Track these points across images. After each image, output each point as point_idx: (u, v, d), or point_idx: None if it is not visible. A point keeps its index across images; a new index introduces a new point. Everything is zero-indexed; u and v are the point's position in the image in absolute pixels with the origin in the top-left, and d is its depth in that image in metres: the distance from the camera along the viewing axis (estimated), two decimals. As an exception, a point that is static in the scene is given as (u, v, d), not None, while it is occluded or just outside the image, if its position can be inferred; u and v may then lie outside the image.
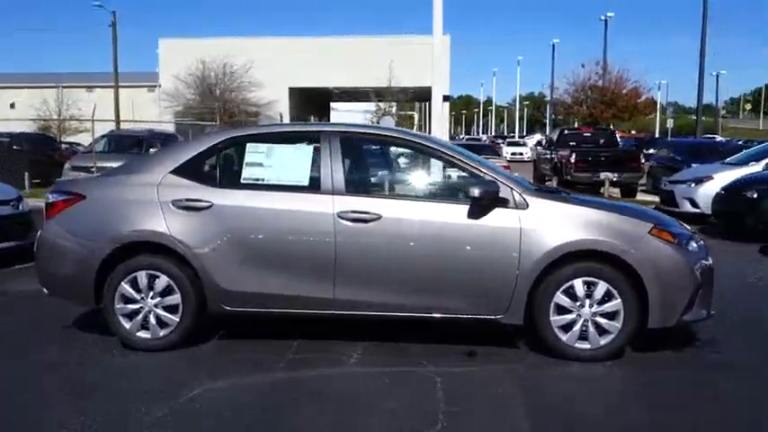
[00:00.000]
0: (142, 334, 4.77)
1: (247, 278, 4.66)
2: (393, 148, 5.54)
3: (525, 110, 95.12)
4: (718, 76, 64.34)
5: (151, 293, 4.74)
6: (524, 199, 4.55)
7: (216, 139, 4.94)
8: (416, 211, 4.61)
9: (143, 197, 4.77)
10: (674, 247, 4.57)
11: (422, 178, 5.19)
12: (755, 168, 11.52)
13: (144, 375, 4.42)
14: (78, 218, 4.83)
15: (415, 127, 45.93)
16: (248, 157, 4.84)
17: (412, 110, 50.65)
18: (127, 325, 4.76)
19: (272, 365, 4.46)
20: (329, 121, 59.92)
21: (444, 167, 4.99)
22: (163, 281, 4.71)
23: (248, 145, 4.88)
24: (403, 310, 4.65)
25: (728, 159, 13.21)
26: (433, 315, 4.64)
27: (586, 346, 4.55)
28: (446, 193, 4.83)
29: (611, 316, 4.51)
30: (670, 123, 47.71)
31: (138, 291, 4.75)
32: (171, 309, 4.74)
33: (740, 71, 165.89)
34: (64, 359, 4.65)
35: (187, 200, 4.71)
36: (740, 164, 12.28)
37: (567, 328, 4.55)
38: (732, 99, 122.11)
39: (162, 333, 4.75)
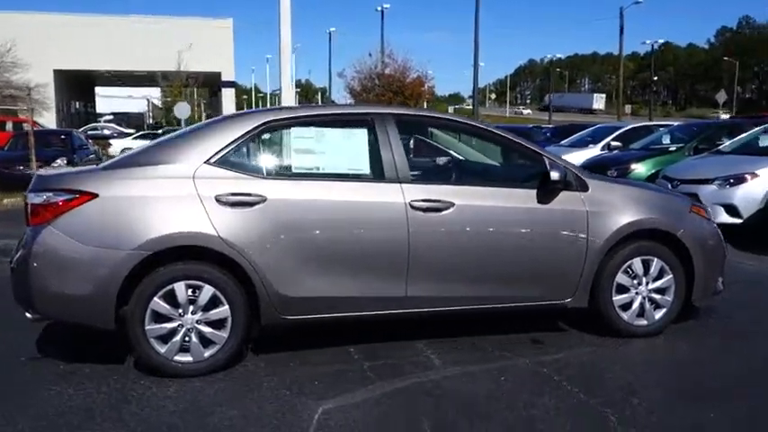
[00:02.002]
0: (181, 357, 3.97)
1: (310, 281, 4.08)
2: (437, 132, 5.17)
3: (297, 97, 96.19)
4: (476, 67, 70.21)
5: (191, 308, 3.95)
6: (584, 181, 4.54)
7: (252, 123, 4.22)
8: (487, 198, 4.38)
9: (178, 193, 3.95)
10: (709, 223, 4.88)
11: (484, 163, 4.93)
12: None
13: (230, 409, 3.56)
14: (90, 222, 3.86)
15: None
16: (296, 144, 4.22)
17: (202, 96, 48.47)
18: (161, 349, 3.92)
19: (364, 375, 3.98)
20: (94, 106, 55.49)
21: (502, 151, 4.78)
22: (207, 292, 3.95)
23: (293, 129, 4.25)
24: (475, 302, 4.41)
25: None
26: (506, 305, 4.46)
27: (643, 322, 4.68)
28: (511, 177, 4.64)
29: (663, 292, 4.69)
30: (451, 110, 51.16)
31: (176, 306, 3.93)
32: (216, 324, 4.00)
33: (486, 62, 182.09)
34: (78, 407, 3.68)
35: (235, 194, 3.99)
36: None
37: (626, 306, 4.64)
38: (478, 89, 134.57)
39: (207, 354, 3.99)
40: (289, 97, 14.62)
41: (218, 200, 3.95)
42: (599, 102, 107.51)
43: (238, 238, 3.94)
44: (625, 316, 4.63)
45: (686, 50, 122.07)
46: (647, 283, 4.65)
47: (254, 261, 3.96)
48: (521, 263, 4.41)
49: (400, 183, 4.22)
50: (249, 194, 4.00)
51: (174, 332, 3.95)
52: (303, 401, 3.61)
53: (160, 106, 49.66)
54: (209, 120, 4.93)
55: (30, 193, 4.00)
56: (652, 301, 4.68)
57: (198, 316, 3.97)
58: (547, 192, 4.42)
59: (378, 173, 4.23)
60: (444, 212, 4.22)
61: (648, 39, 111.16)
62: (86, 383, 3.89)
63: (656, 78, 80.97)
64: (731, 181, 8.63)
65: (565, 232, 4.45)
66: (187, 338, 3.96)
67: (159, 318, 3.92)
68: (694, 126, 13.72)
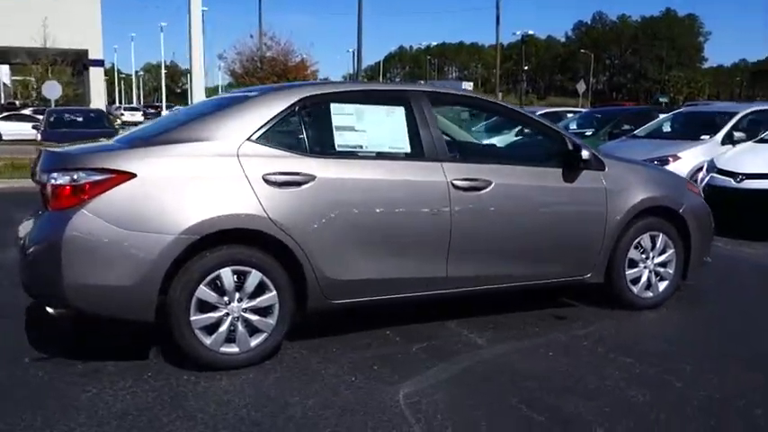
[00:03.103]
0: (227, 348, 3.71)
1: (357, 264, 3.95)
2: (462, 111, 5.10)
3: (163, 78, 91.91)
4: (354, 52, 70.63)
5: (237, 295, 3.70)
6: (602, 160, 4.69)
7: (292, 98, 3.99)
8: (520, 177, 4.42)
9: (224, 172, 3.67)
10: (700, 198, 5.20)
11: (513, 142, 4.92)
12: None
13: (304, 399, 3.35)
14: (129, 204, 3.50)
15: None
16: (336, 120, 4.04)
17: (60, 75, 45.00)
18: (207, 340, 3.65)
19: (418, 357, 3.91)
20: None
21: (527, 131, 4.81)
22: (254, 277, 3.71)
23: (333, 105, 4.07)
24: (508, 281, 4.45)
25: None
26: (536, 282, 4.54)
27: (650, 294, 4.93)
28: (539, 156, 4.67)
29: (666, 265, 4.96)
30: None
31: (222, 294, 3.67)
32: (262, 311, 3.78)
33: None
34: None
35: (284, 173, 3.76)
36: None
37: (635, 280, 4.86)
38: (346, 75, 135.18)
39: (254, 343, 3.76)
40: (198, 82, 13.93)
41: (265, 179, 3.71)
42: (467, 89, 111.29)
43: (288, 220, 3.73)
44: (635, 289, 4.85)
45: (545, 42, 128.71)
46: (653, 258, 4.89)
47: (303, 244, 3.77)
48: (550, 240, 4.50)
49: (441, 161, 4.17)
50: (297, 173, 3.79)
51: (219, 322, 3.68)
52: (376, 386, 3.49)
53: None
54: (236, 94, 4.63)
55: (49, 173, 3.57)
56: (657, 274, 4.93)
57: (245, 303, 3.72)
58: (572, 170, 4.53)
59: (418, 151, 4.15)
60: (483, 191, 4.22)
61: (510, 30, 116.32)
62: (122, 382, 3.55)
63: (526, 68, 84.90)
64: (656, 163, 8.67)
65: (588, 210, 4.59)
66: (233, 328, 3.71)
67: (204, 307, 3.64)
68: (598, 113, 14.53)
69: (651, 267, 4.90)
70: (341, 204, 3.88)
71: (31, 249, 3.57)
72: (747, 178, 7.74)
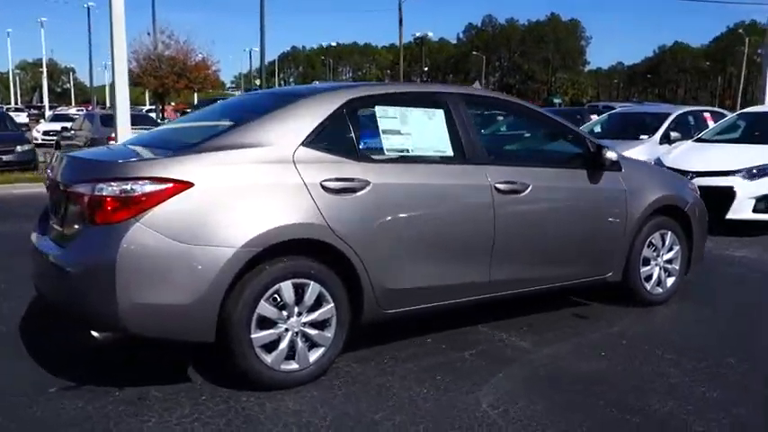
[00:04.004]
0: (287, 366, 3.50)
1: (410, 271, 3.84)
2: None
3: (45, 77, 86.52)
4: (251, 51, 69.65)
5: (296, 309, 3.50)
6: (619, 162, 4.80)
7: (339, 100, 3.80)
8: (552, 179, 4.45)
9: (281, 179, 3.46)
10: (698, 196, 5.43)
11: (541, 145, 4.89)
12: None
13: (391, 414, 3.19)
14: (187, 215, 3.22)
15: None
16: (382, 123, 3.90)
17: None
18: (267, 359, 3.43)
19: (475, 363, 3.84)
20: None
21: (553, 134, 4.81)
22: (313, 290, 3.52)
23: (377, 108, 3.92)
24: (543, 283, 4.46)
25: None
26: (565, 283, 4.58)
27: (660, 290, 5.09)
28: (566, 158, 4.69)
29: (672, 261, 5.14)
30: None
31: (282, 308, 3.46)
32: (320, 325, 3.59)
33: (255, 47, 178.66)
34: None
35: (340, 179, 3.59)
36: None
37: (648, 277, 5.01)
38: (240, 74, 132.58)
39: (313, 358, 3.57)
40: (122, 82, 13.13)
41: (323, 186, 3.53)
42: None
43: (346, 229, 3.57)
44: (648, 286, 4.99)
45: (438, 44, 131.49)
46: (663, 255, 5.06)
47: (360, 252, 3.61)
48: (579, 241, 4.55)
49: (483, 164, 4.13)
50: (353, 179, 3.63)
51: (279, 338, 3.46)
52: (454, 397, 3.40)
53: None
54: (272, 94, 4.41)
55: (90, 183, 3.22)
56: (666, 270, 5.10)
57: (304, 318, 3.52)
58: (595, 172, 4.60)
59: (460, 154, 4.08)
60: (522, 194, 4.20)
61: (403, 32, 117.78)
62: (179, 409, 3.27)
63: (426, 69, 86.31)
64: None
65: (611, 210, 4.69)
66: (291, 344, 3.50)
67: (265, 323, 3.41)
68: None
69: (661, 264, 5.06)
70: (393, 210, 3.75)
71: (74, 269, 3.21)
72: (698, 176, 7.90)
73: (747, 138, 9.31)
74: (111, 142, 14.19)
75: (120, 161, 3.26)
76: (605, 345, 4.19)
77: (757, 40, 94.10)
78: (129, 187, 3.16)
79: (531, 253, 4.32)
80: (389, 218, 3.72)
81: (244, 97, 4.97)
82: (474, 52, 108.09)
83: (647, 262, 4.97)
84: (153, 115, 32.53)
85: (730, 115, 10.90)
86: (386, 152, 3.85)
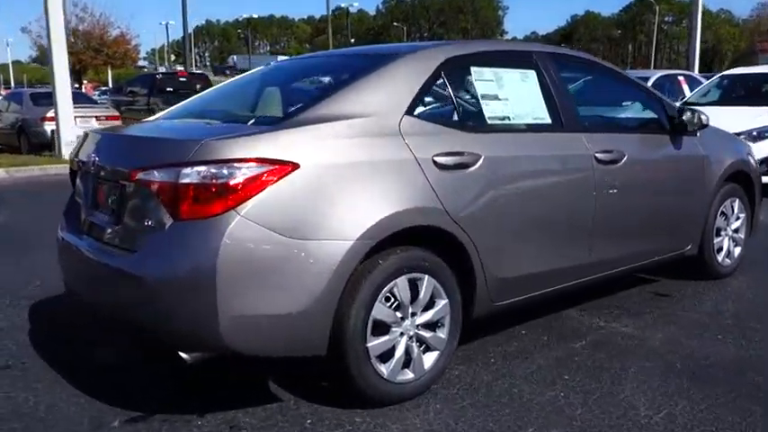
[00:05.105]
0: (402, 376, 2.96)
1: (522, 256, 3.36)
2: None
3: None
4: (167, 25, 66.96)
5: (410, 309, 2.96)
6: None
7: (437, 60, 3.22)
8: (644, 147, 4.04)
9: (391, 155, 2.88)
10: (754, 161, 5.15)
11: (626, 108, 4.40)
12: None
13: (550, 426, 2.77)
14: (293, 204, 2.61)
15: None
16: (480, 87, 3.36)
17: None
18: (384, 370, 2.88)
19: (594, 357, 3.40)
20: None
21: (634, 96, 4.35)
22: (428, 285, 2.98)
23: (473, 70, 3.38)
24: (633, 260, 4.06)
25: None
26: (651, 260, 4.20)
27: (728, 261, 4.80)
28: (651, 124, 4.24)
29: (739, 231, 4.86)
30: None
31: (397, 309, 2.91)
32: (433, 326, 3.06)
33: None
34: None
35: (452, 153, 3.05)
36: None
37: (720, 249, 4.71)
38: (153, 49, 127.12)
39: (428, 365, 3.04)
40: (60, 57, 11.93)
41: (436, 162, 2.98)
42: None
43: (461, 211, 3.04)
44: (719, 258, 4.69)
45: (357, 15, 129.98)
46: (731, 224, 4.76)
47: (475, 238, 3.10)
48: (667, 214, 4.19)
49: (579, 132, 3.66)
50: (463, 153, 3.09)
51: (394, 344, 2.91)
52: (599, 400, 2.94)
53: None
54: (351, 55, 3.78)
55: (171, 169, 2.56)
56: (733, 240, 4.81)
57: (418, 318, 2.98)
58: (677, 137, 4.22)
59: (557, 121, 3.60)
60: (619, 164, 3.77)
61: (321, 3, 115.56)
62: (287, 439, 2.69)
63: (353, 40, 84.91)
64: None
65: (693, 178, 4.34)
66: (408, 351, 2.96)
67: (379, 329, 2.85)
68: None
69: (730, 234, 4.76)
70: (504, 187, 3.24)
71: (154, 279, 2.55)
72: None
73: (736, 100, 9.21)
74: (53, 123, 12.96)
75: (210, 139, 2.58)
76: (713, 326, 3.84)
77: (665, 8, 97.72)
78: (225, 171, 2.51)
79: (626, 229, 3.91)
80: (500, 196, 3.21)
81: (306, 61, 4.28)
82: (395, 23, 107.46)
83: (718, 232, 4.65)
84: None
85: (710, 79, 10.78)
86: (488, 120, 3.32)
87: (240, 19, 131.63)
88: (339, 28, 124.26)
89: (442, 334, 3.07)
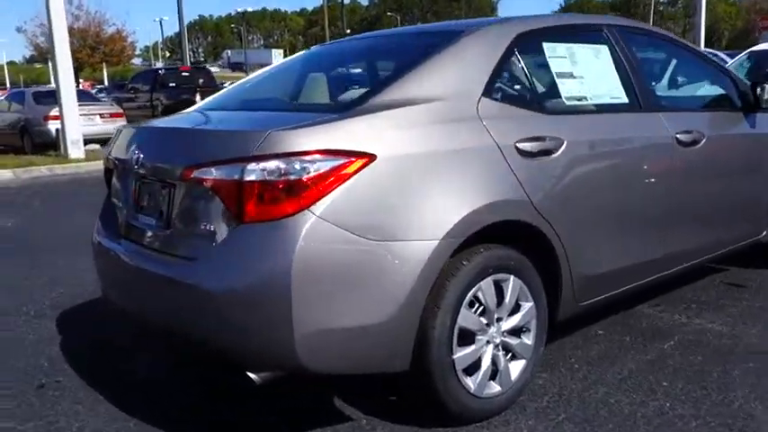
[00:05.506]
0: (488, 390, 2.65)
1: (606, 250, 3.05)
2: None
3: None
4: (161, 21, 66.42)
5: (496, 314, 2.65)
6: None
7: (509, 35, 2.89)
8: (721, 126, 3.73)
9: (471, 142, 2.56)
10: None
11: (700, 85, 4.07)
12: None
13: None
14: (371, 201, 2.29)
15: None
16: (554, 65, 3.03)
17: None
18: (471, 384, 2.57)
19: (695, 363, 3.08)
20: None
21: (705, 72, 4.01)
22: (514, 287, 2.67)
23: (545, 46, 3.05)
24: (711, 251, 3.73)
25: None
26: (727, 249, 3.88)
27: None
28: (722, 100, 3.91)
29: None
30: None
31: (482, 314, 2.59)
32: (518, 332, 2.75)
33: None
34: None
35: (534, 138, 2.73)
36: None
37: (789, 233, 4.39)
38: (146, 46, 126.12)
39: (515, 376, 2.73)
40: (64, 54, 11.56)
41: (518, 149, 2.65)
42: (278, 57, 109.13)
43: (546, 203, 2.73)
44: (787, 240, 4.37)
45: (350, 6, 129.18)
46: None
47: (561, 233, 2.78)
48: (745, 198, 3.88)
49: (657, 111, 3.35)
50: (544, 138, 2.77)
51: (480, 355, 2.60)
52: (709, 410, 2.63)
53: None
54: (414, 33, 3.46)
55: (233, 165, 2.23)
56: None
57: (504, 324, 2.67)
58: (751, 115, 3.90)
59: (635, 100, 3.28)
60: (699, 146, 3.45)
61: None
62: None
63: (348, 31, 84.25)
64: None
65: (766, 158, 4.01)
66: (493, 360, 2.65)
67: (465, 338, 2.54)
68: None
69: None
70: (588, 175, 2.93)
71: (217, 290, 2.23)
72: None
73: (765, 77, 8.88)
74: (57, 121, 12.61)
75: (277, 129, 2.25)
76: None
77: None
78: (297, 165, 2.19)
79: (705, 216, 3.60)
80: (584, 184, 2.90)
81: (353, 43, 3.93)
82: (388, 13, 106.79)
83: (788, 216, 4.33)
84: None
85: (738, 56, 10.41)
86: (565, 101, 2.99)
87: (233, 13, 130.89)
88: (332, 19, 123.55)
89: (528, 340, 2.76)
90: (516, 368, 2.73)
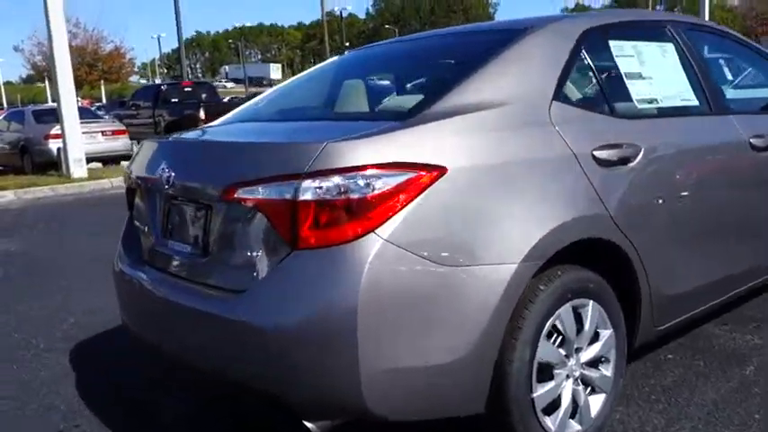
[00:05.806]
0: (570, 429, 2.35)
1: (686, 267, 2.76)
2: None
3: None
4: (159, 38, 66.56)
5: (575, 345, 2.34)
6: None
7: (575, 33, 2.60)
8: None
9: (544, 151, 2.27)
10: None
11: (763, 84, 3.79)
12: None
13: None
14: (443, 221, 1.99)
15: None
16: (622, 65, 2.75)
17: None
18: (550, 424, 2.26)
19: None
20: None
21: (765, 69, 3.73)
22: (593, 313, 2.37)
23: (612, 44, 2.76)
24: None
25: None
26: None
27: None
28: None
29: None
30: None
31: (561, 345, 2.29)
32: (597, 363, 2.45)
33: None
34: None
35: (611, 146, 2.44)
36: None
37: None
38: (144, 63, 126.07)
39: (595, 412, 2.43)
40: (65, 72, 11.32)
41: (595, 157, 2.36)
42: (276, 71, 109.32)
43: (626, 217, 2.43)
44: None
45: (348, 19, 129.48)
46: None
47: (641, 250, 2.48)
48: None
49: (728, 114, 3.07)
50: (621, 145, 2.48)
51: (560, 391, 2.30)
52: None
53: None
54: (467, 33, 3.17)
55: (284, 184, 1.93)
56: None
57: (583, 355, 2.37)
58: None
59: (705, 102, 3.00)
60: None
61: (309, 9, 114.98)
62: None
63: (347, 44, 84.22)
64: None
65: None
66: (573, 396, 2.35)
67: (543, 373, 2.24)
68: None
69: None
70: (666, 185, 2.64)
71: (270, 328, 1.93)
72: None
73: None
74: (58, 140, 12.32)
75: (334, 141, 1.95)
76: None
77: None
78: (360, 182, 1.89)
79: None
80: (663, 196, 2.61)
81: (405, 45, 3.61)
82: (386, 26, 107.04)
83: None
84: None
85: None
86: (637, 104, 2.71)
87: (230, 29, 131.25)
88: (331, 32, 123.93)
89: (608, 372, 2.46)
90: (596, 403, 2.43)
